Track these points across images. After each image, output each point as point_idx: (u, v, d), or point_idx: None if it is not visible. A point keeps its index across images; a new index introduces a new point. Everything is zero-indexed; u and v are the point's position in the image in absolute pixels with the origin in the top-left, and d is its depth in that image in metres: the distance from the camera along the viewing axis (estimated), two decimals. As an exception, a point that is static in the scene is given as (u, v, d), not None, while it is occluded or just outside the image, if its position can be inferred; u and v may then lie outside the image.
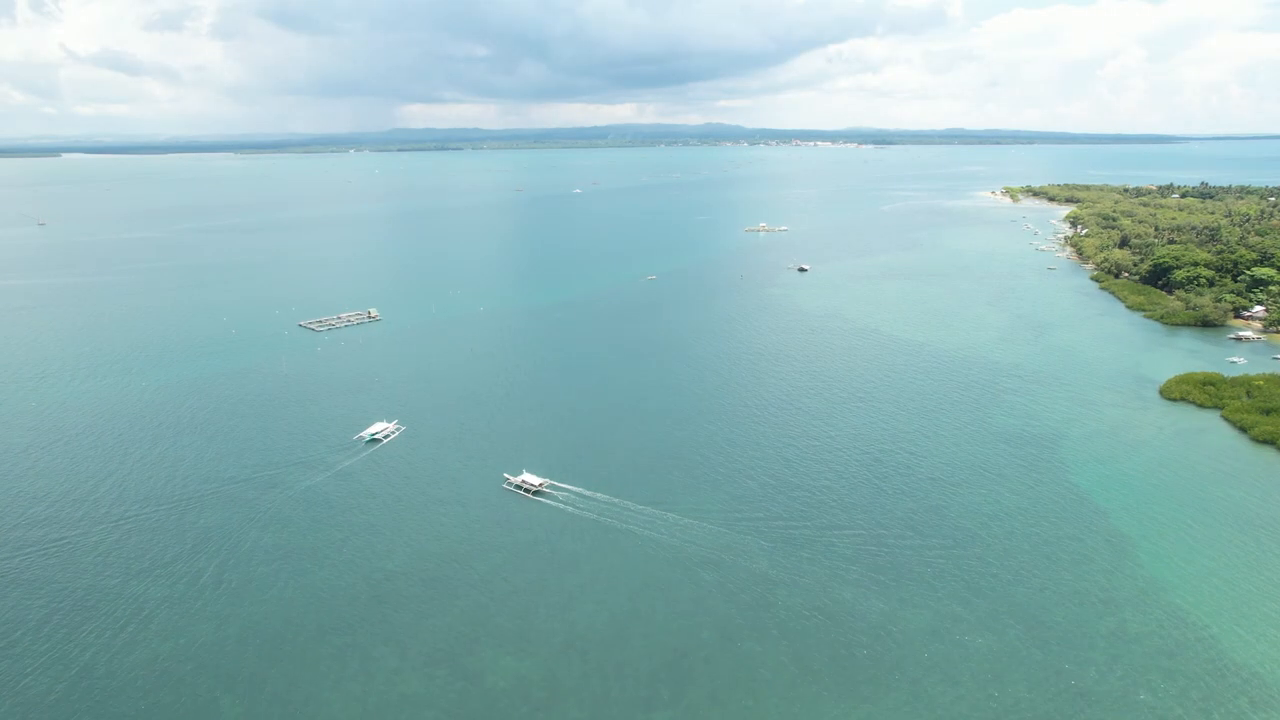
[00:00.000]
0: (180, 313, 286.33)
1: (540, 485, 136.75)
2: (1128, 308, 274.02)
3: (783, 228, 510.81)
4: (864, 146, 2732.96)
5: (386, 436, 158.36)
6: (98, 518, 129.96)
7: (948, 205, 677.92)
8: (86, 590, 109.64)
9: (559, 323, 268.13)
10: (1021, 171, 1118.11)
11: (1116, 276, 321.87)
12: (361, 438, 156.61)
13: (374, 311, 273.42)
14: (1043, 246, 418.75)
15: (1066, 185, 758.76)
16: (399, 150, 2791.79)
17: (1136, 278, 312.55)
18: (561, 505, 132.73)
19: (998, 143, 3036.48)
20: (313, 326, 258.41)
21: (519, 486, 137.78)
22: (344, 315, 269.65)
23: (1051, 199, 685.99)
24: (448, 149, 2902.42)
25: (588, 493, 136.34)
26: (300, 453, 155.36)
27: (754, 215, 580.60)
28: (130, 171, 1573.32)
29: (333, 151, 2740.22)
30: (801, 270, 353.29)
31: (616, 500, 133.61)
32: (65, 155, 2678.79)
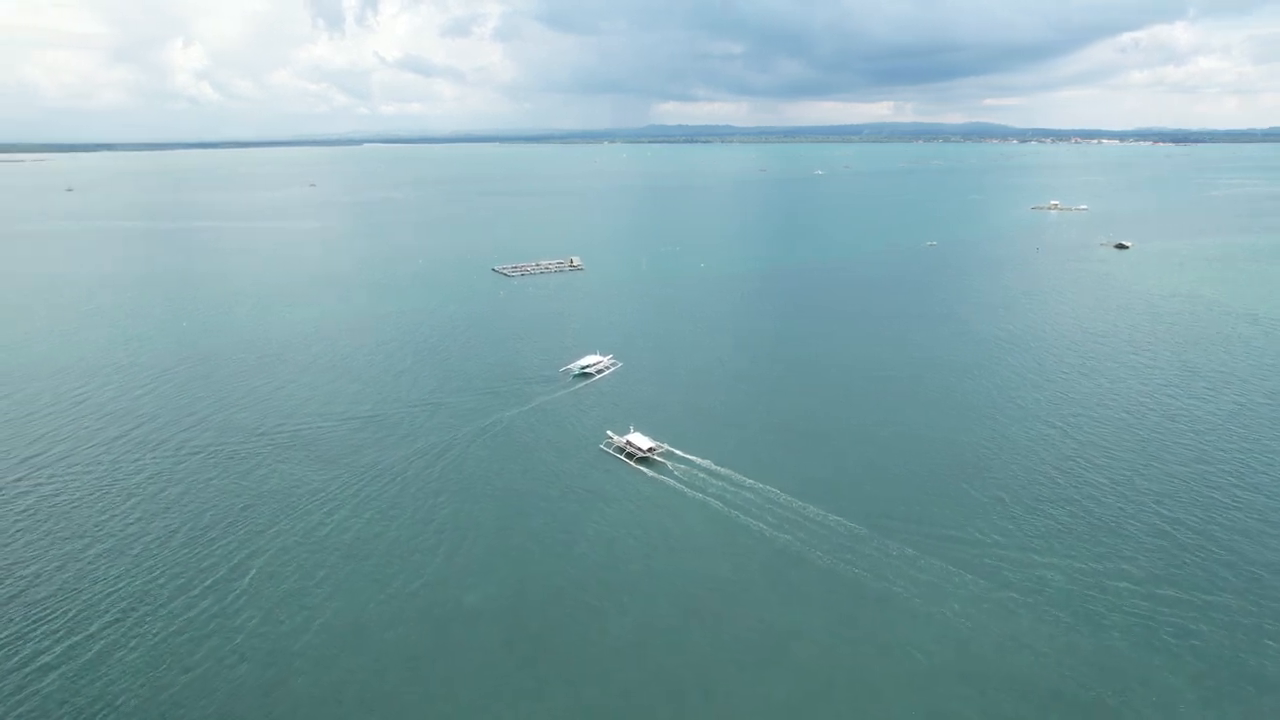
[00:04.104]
0: (382, 253, 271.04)
1: (649, 451, 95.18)
2: None
3: (1081, 207, 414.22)
4: (1160, 144, 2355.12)
5: (599, 371, 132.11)
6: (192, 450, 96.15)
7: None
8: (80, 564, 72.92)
9: (806, 286, 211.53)
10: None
11: None
12: (569, 370, 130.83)
13: (576, 260, 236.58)
14: None
15: None
16: (650, 143, 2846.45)
17: None
18: (767, 528, 78.14)
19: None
20: (505, 271, 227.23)
21: (621, 450, 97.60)
22: (542, 262, 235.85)
23: None
24: (697, 142, 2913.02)
25: (802, 507, 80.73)
26: (501, 383, 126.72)
27: (1040, 195, 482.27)
28: (407, 156, 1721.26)
29: (589, 143, 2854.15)
30: (1121, 247, 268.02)
31: (847, 525, 77.14)
32: (365, 145, 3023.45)
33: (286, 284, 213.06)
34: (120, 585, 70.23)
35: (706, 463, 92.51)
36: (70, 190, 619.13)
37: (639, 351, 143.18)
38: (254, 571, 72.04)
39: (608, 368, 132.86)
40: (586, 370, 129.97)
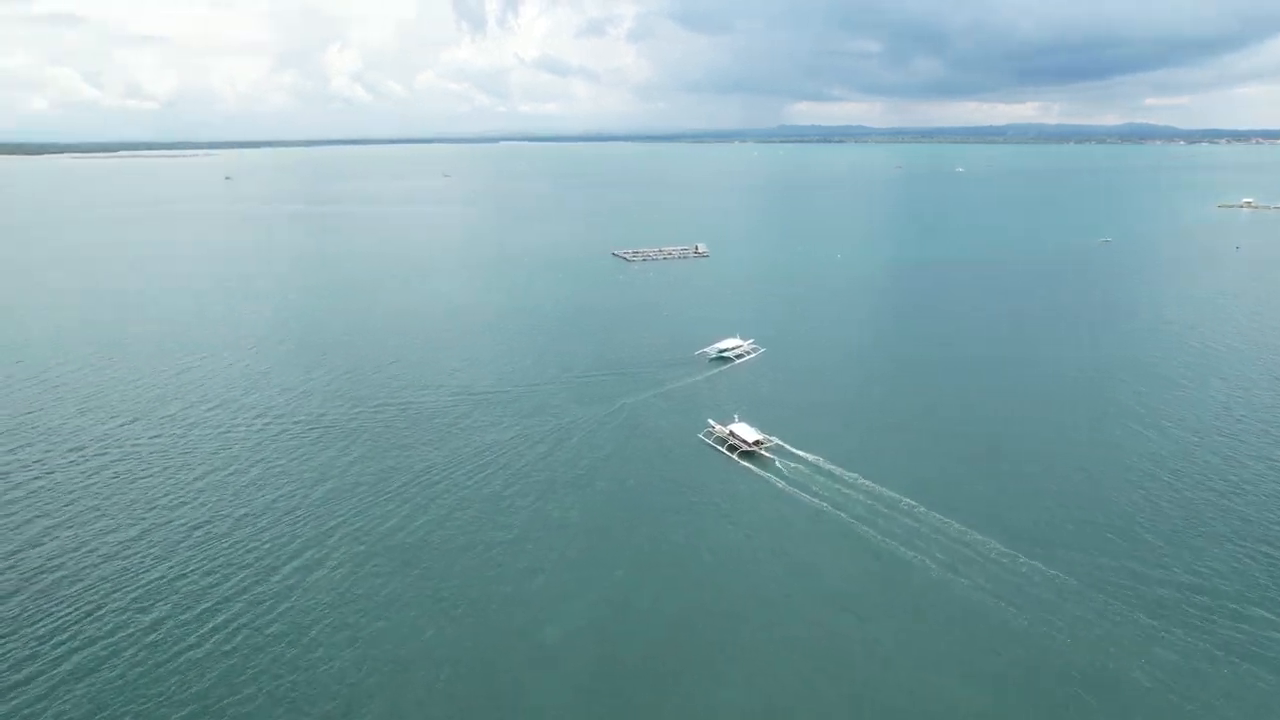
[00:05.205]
0: (500, 235, 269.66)
1: (755, 444, 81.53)
2: None
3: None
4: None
5: (739, 356, 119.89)
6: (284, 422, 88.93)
7: None
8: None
9: (958, 284, 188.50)
10: None
11: None
12: (705, 353, 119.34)
13: (701, 247, 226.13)
14: None
15: None
16: (781, 142, 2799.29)
17: None
18: (934, 564, 60.55)
19: None
20: (625, 255, 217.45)
21: (723, 442, 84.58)
22: (665, 248, 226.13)
23: None
24: (830, 142, 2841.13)
25: (964, 532, 62.63)
26: (631, 365, 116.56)
27: (1227, 192, 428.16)
28: (542, 153, 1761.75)
29: (720, 143, 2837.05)
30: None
31: (1042, 570, 57.88)
32: (502, 143, 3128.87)
33: (405, 263, 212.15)
34: (151, 586, 61.02)
35: (850, 475, 75.52)
36: (228, 178, 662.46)
37: (769, 339, 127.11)
38: (312, 577, 61.27)
39: (749, 353, 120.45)
40: (725, 354, 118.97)
